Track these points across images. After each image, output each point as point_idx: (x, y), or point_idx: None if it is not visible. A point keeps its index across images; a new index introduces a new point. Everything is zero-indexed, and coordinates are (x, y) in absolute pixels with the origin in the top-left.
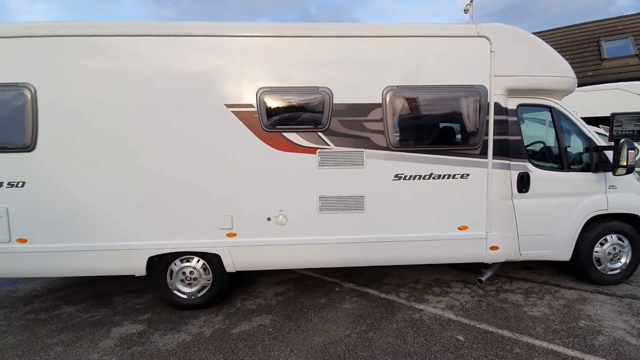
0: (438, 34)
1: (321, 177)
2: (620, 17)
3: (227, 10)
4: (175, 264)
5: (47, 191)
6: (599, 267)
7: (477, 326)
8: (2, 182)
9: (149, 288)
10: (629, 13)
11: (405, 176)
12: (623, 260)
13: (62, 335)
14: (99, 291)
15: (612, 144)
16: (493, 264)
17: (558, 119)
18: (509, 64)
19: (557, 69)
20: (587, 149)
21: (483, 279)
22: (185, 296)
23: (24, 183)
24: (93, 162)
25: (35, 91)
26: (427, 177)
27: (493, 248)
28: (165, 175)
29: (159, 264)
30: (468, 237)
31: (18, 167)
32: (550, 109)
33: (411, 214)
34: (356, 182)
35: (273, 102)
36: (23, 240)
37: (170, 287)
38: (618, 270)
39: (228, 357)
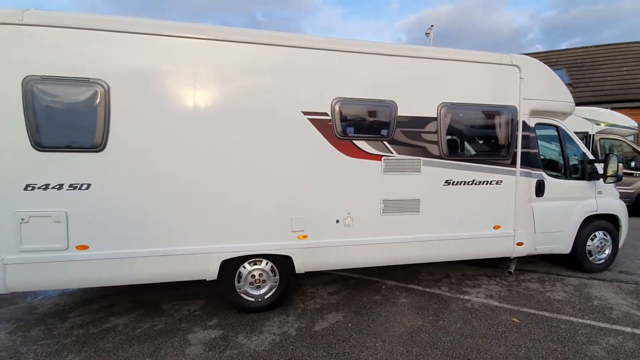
0: (481, 60)
1: (385, 182)
2: (554, 51)
3: (168, 8)
4: (244, 267)
5: (115, 194)
6: (590, 258)
7: (520, 310)
8: (62, 185)
9: (191, 294)
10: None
11: (454, 182)
12: (607, 252)
13: (136, 347)
14: (141, 301)
15: (604, 157)
16: (514, 258)
17: (563, 136)
18: (533, 89)
19: (565, 96)
20: (582, 162)
21: (512, 270)
22: (252, 299)
23: (89, 185)
24: (165, 164)
25: (108, 88)
26: (470, 183)
27: (519, 244)
28: (240, 179)
29: (227, 267)
30: (501, 235)
31: (83, 168)
32: (557, 127)
33: (457, 215)
34: (413, 187)
35: (346, 112)
36: (84, 247)
37: (238, 290)
38: (603, 260)
39: (329, 351)
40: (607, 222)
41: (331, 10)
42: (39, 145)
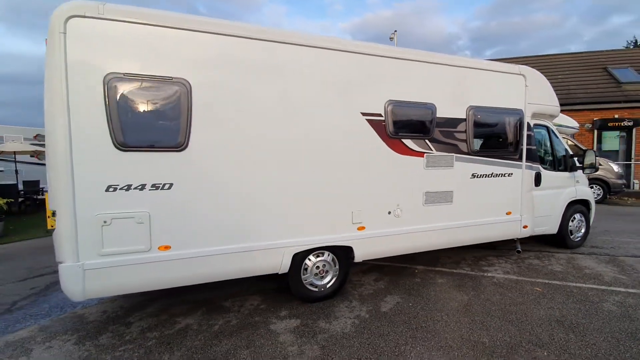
0: (498, 70)
1: (426, 176)
2: (506, 59)
3: None
4: (309, 259)
5: (197, 193)
6: (571, 237)
7: (536, 281)
8: (145, 185)
9: (242, 291)
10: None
11: (478, 175)
12: (582, 230)
13: (227, 341)
14: (193, 301)
15: (582, 153)
16: (518, 239)
17: (551, 135)
18: (534, 95)
19: (555, 101)
20: (564, 157)
21: (520, 250)
22: (316, 289)
23: (171, 185)
24: (244, 162)
25: (190, 87)
26: (490, 175)
27: (524, 227)
28: (308, 175)
29: (295, 260)
30: (511, 219)
31: (166, 168)
32: (547, 127)
33: (480, 204)
34: (448, 180)
35: (396, 113)
36: (166, 248)
37: (304, 281)
38: (580, 238)
39: (408, 326)
40: (582, 206)
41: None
42: (122, 145)
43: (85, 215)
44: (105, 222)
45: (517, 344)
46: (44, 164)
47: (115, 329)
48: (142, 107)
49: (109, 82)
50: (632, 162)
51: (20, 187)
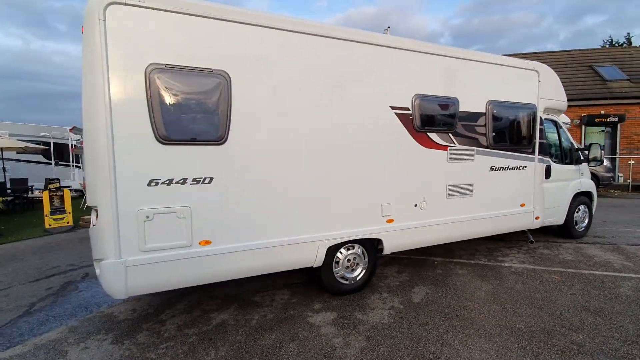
0: (514, 65)
1: (449, 169)
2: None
3: None
4: (341, 253)
5: (236, 187)
6: (576, 227)
7: (552, 269)
8: (186, 179)
9: (270, 284)
10: None
11: (496, 168)
12: (586, 221)
13: (269, 335)
14: (221, 297)
15: (588, 146)
16: (529, 230)
17: (559, 129)
18: (546, 91)
19: (564, 96)
20: (570, 150)
21: (533, 240)
22: (347, 282)
23: (211, 179)
24: (281, 156)
25: (230, 80)
26: (506, 168)
27: (536, 218)
28: (340, 169)
29: (328, 254)
30: (525, 211)
31: (207, 162)
32: (555, 122)
33: (497, 196)
34: (469, 173)
35: (422, 107)
36: (207, 243)
37: (336, 275)
38: (584, 228)
39: (444, 315)
40: (585, 197)
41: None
42: (164, 138)
43: (128, 210)
44: (147, 217)
45: (552, 329)
46: (33, 162)
47: (151, 327)
48: (183, 100)
49: (151, 74)
50: (617, 156)
51: (8, 185)
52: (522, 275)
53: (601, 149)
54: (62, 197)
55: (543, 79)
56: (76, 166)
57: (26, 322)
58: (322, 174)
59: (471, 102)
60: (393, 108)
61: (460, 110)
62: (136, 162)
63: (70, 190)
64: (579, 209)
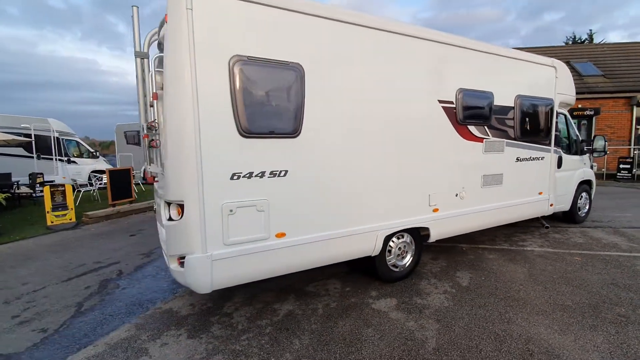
0: (537, 62)
1: (484, 160)
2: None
3: None
4: (393, 242)
5: (308, 179)
6: (579, 212)
7: (570, 251)
8: (264, 172)
9: (318, 275)
10: None
11: (521, 158)
12: (587, 207)
13: (342, 322)
14: (279, 287)
15: (592, 139)
16: (543, 216)
17: (568, 122)
18: (562, 86)
19: (574, 91)
20: (576, 141)
21: (548, 226)
22: (397, 269)
23: (286, 172)
24: (347, 148)
25: (304, 72)
26: (529, 159)
27: (551, 205)
28: (397, 161)
29: (383, 243)
30: (542, 199)
31: (282, 155)
32: (565, 115)
33: (522, 185)
34: (499, 163)
35: (465, 101)
36: (282, 235)
37: (388, 263)
38: (585, 214)
39: (496, 297)
40: (587, 185)
41: None
42: (246, 131)
43: (213, 204)
44: (230, 210)
45: (596, 304)
46: (14, 155)
47: (220, 321)
48: (263, 92)
49: (234, 65)
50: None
51: None
52: (547, 257)
53: (605, 141)
54: (63, 193)
55: (559, 75)
56: (59, 160)
57: (84, 323)
58: (381, 165)
59: (503, 96)
60: (440, 102)
61: (494, 104)
62: (221, 156)
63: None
64: (582, 196)
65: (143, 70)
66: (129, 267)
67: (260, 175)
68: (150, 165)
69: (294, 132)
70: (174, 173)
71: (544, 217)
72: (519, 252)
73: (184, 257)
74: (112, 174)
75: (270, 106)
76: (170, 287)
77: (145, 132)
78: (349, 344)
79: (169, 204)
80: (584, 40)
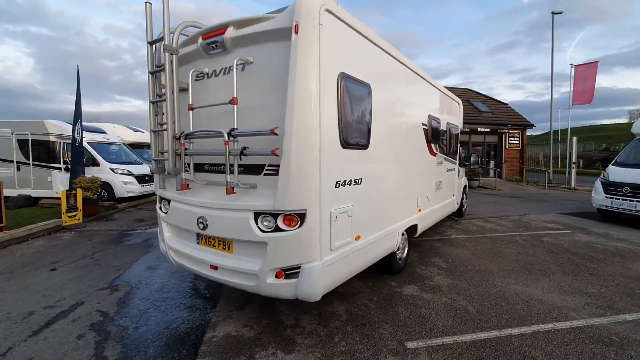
0: (452, 97)
1: (436, 170)
2: None
3: None
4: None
5: (372, 186)
6: (463, 209)
7: (476, 236)
8: (351, 180)
9: None
10: None
11: (447, 169)
12: (465, 205)
13: (399, 310)
14: None
15: (469, 155)
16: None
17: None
18: (461, 116)
19: (462, 122)
20: (461, 157)
21: (457, 219)
22: (401, 262)
23: (361, 180)
24: (388, 159)
25: (371, 90)
26: (450, 170)
27: (458, 204)
28: (409, 170)
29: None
30: (454, 199)
31: (360, 165)
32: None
33: (447, 189)
34: (441, 173)
35: (431, 124)
36: (359, 238)
37: (397, 256)
38: (465, 210)
39: (474, 271)
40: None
41: None
42: (344, 142)
43: (325, 212)
44: (335, 217)
45: (524, 266)
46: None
47: (296, 332)
48: (354, 107)
49: (341, 81)
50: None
51: None
52: (469, 241)
53: (477, 157)
54: (75, 196)
55: (460, 109)
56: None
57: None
58: (402, 171)
59: (443, 122)
60: (422, 124)
61: (441, 127)
62: (332, 166)
63: None
64: (464, 197)
65: (172, 66)
66: (107, 305)
67: (350, 183)
68: (184, 173)
69: (367, 144)
70: (298, 182)
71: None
72: (450, 240)
73: (290, 269)
74: None
75: (357, 120)
76: (190, 314)
77: (182, 140)
78: (423, 323)
79: (269, 214)
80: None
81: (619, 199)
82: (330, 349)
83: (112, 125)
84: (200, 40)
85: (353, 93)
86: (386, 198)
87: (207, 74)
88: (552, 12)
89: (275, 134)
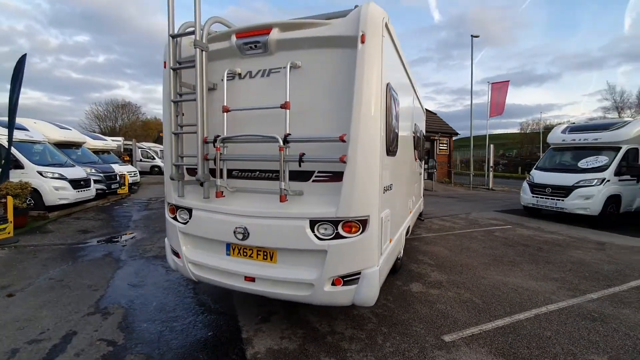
0: (423, 110)
1: (417, 173)
2: None
3: None
4: None
5: (396, 191)
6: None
7: (442, 234)
8: (389, 186)
9: None
10: None
11: (420, 173)
12: (423, 206)
13: (418, 307)
14: None
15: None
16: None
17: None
18: (424, 126)
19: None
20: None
21: (423, 219)
22: (399, 261)
23: (392, 186)
24: (405, 166)
25: (398, 100)
26: (420, 173)
27: (423, 203)
28: (408, 176)
29: None
30: (421, 201)
31: (391, 171)
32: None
33: (419, 190)
34: (419, 176)
35: (416, 134)
36: (391, 240)
37: (399, 254)
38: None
39: (456, 266)
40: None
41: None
42: (388, 149)
43: (380, 217)
44: (384, 222)
45: (495, 259)
46: None
47: (337, 339)
48: (393, 116)
49: (388, 91)
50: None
51: None
52: (440, 239)
53: (435, 162)
54: (5, 205)
55: (424, 118)
56: None
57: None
58: (406, 177)
59: (420, 129)
60: (412, 132)
61: (419, 134)
62: (383, 172)
63: None
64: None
65: (202, 63)
66: (108, 332)
67: (389, 188)
68: (218, 179)
69: (396, 151)
70: (363, 188)
71: None
72: (423, 238)
73: (349, 276)
74: None
75: (394, 128)
76: (215, 333)
77: (217, 144)
78: (445, 317)
79: (328, 222)
80: None
81: (542, 197)
82: (380, 351)
83: (33, 121)
84: (234, 38)
85: (393, 102)
86: (400, 202)
87: (240, 74)
88: (472, 36)
89: (344, 141)
